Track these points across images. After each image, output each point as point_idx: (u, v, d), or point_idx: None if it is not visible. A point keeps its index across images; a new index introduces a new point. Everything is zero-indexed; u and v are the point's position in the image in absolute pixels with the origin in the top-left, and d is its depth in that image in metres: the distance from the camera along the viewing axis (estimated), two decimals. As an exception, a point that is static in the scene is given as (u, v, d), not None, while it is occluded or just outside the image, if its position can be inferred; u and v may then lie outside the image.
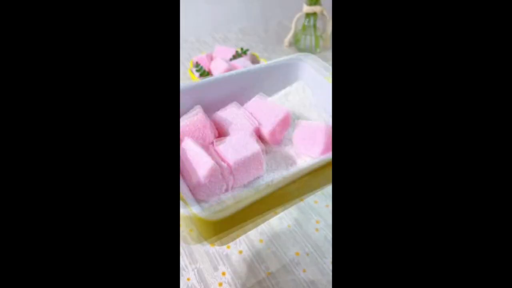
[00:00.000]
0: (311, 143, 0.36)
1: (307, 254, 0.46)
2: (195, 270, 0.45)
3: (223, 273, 0.44)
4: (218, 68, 0.78)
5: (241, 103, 0.42)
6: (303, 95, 0.44)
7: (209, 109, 0.40)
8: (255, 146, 0.33)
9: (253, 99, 0.41)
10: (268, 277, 0.44)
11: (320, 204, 0.52)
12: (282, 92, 0.46)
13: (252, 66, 0.43)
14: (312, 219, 0.50)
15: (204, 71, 0.78)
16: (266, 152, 0.38)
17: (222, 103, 0.41)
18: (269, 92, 0.45)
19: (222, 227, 0.27)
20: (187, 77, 0.90)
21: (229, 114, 0.39)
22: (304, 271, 0.44)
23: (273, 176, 0.35)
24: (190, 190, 0.31)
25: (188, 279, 0.44)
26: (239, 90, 0.41)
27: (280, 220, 0.50)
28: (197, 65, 0.79)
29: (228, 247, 0.46)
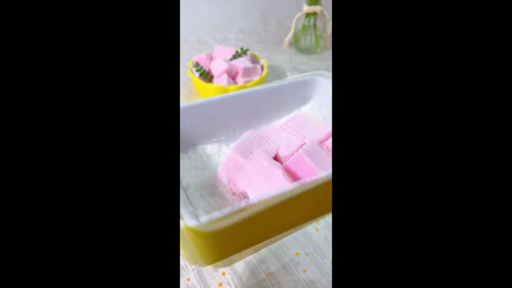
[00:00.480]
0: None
1: (307, 254, 0.46)
2: (195, 270, 0.45)
3: (223, 273, 0.44)
4: (218, 68, 0.78)
5: (252, 125, 0.40)
6: (318, 115, 0.42)
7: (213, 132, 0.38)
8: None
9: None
10: (268, 277, 0.44)
11: (320, 204, 0.52)
12: (296, 112, 0.43)
13: (263, 86, 0.40)
14: (312, 219, 0.50)
15: (204, 71, 0.78)
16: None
17: (231, 124, 0.38)
18: (282, 113, 0.43)
19: (219, 243, 0.25)
20: (187, 77, 0.90)
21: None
22: (304, 271, 0.44)
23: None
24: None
25: (188, 279, 0.44)
26: (247, 112, 0.39)
27: (280, 220, 0.50)
28: (197, 65, 0.79)
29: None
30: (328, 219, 0.50)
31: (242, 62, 0.80)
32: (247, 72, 0.79)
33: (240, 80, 0.79)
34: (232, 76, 0.80)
